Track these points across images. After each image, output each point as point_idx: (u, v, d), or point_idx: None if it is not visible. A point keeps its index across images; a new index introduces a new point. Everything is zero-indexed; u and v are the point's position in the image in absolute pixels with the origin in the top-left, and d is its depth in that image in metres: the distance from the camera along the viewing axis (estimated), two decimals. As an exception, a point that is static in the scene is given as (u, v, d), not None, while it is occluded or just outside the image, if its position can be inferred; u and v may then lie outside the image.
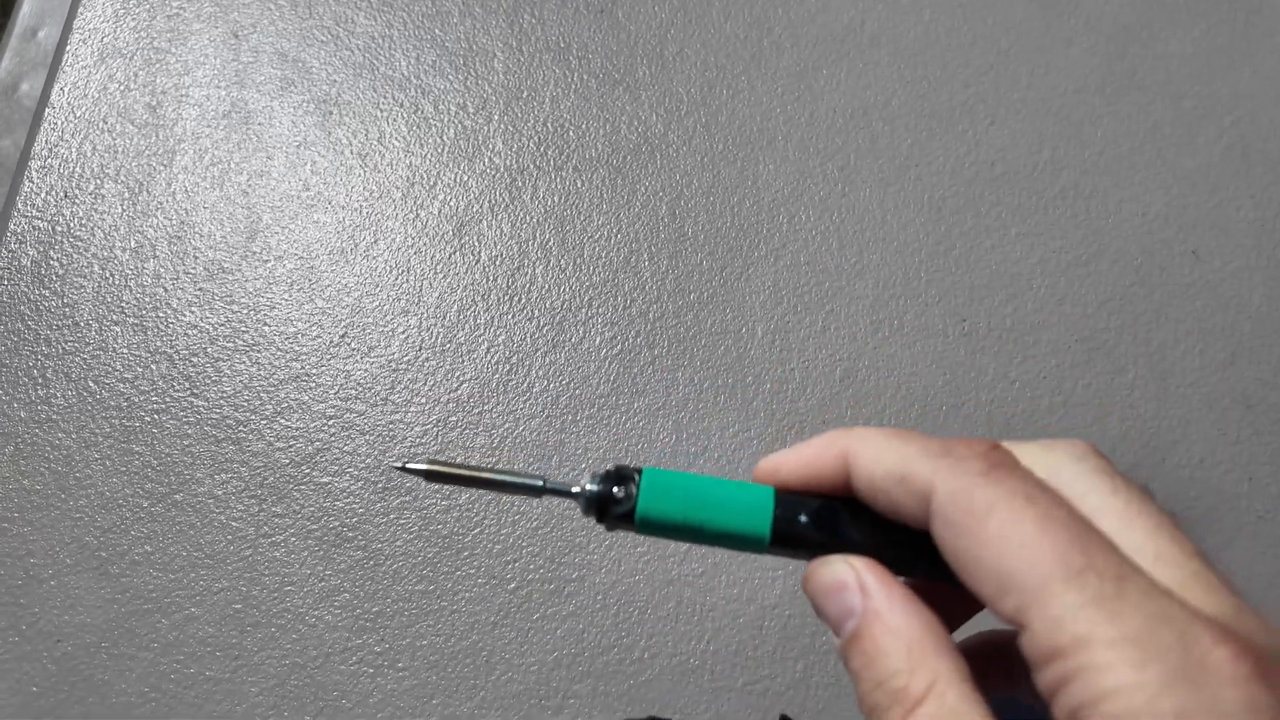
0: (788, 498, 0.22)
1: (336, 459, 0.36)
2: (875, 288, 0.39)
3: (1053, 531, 0.17)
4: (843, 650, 0.20)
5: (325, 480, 0.36)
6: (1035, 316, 0.38)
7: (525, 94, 0.44)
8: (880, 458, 0.20)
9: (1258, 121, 0.42)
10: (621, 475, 0.22)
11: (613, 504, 0.22)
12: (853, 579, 0.20)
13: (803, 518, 0.21)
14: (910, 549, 0.20)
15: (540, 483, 0.23)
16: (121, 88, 0.45)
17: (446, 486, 0.22)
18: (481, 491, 0.22)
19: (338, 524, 0.35)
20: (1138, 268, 0.39)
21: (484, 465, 0.23)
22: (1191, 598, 0.17)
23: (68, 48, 0.46)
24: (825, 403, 0.36)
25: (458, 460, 0.20)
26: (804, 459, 0.21)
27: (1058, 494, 0.18)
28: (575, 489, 0.22)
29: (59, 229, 0.41)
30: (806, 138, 0.42)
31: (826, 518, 0.21)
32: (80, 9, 0.47)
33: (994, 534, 0.17)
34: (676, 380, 0.37)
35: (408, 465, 0.23)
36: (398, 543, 0.35)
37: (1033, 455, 0.20)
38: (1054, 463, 0.19)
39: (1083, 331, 0.38)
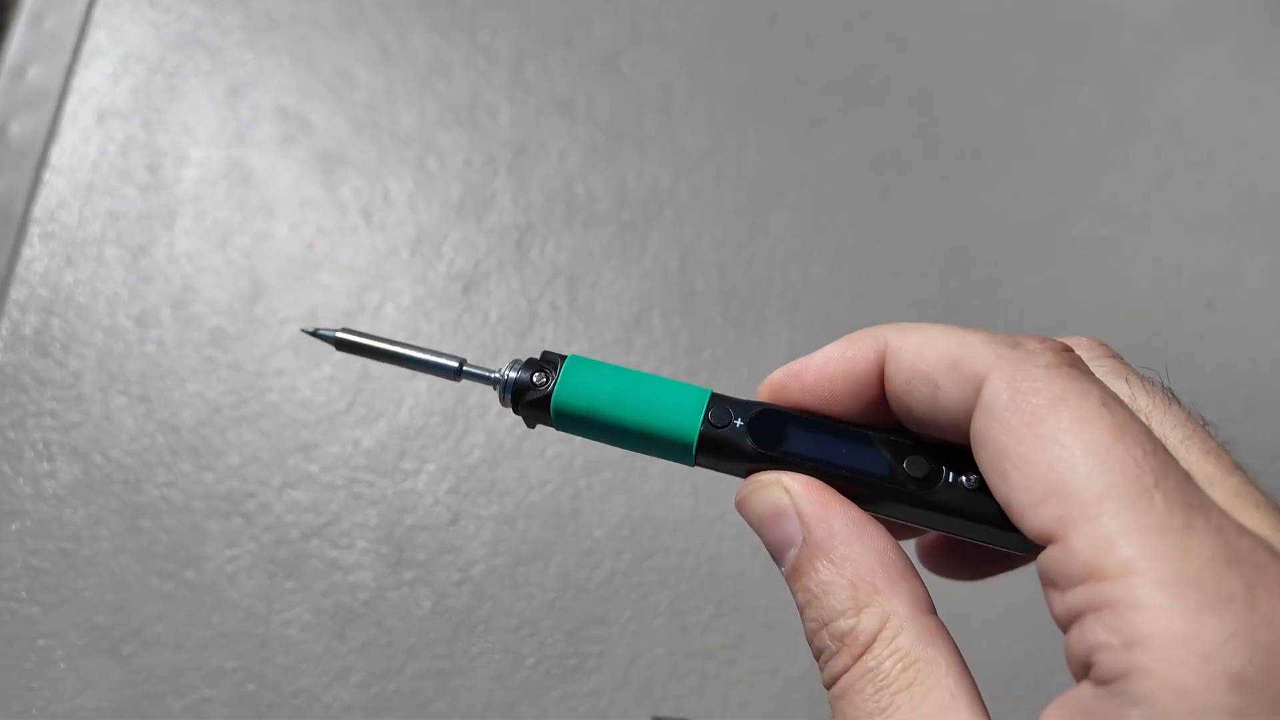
0: (726, 399, 0.19)
1: (347, 531, 0.36)
2: (890, 344, 0.38)
3: (1127, 442, 0.14)
4: (787, 581, 0.17)
5: (335, 554, 0.35)
6: (1053, 371, 0.37)
7: (531, 149, 0.43)
8: (932, 344, 0.17)
9: (1266, 166, 0.42)
10: (545, 361, 0.20)
11: (529, 390, 0.20)
12: (788, 505, 0.17)
13: (739, 422, 0.18)
14: (886, 468, 0.17)
15: (457, 364, 0.21)
16: (120, 149, 0.44)
17: (362, 359, 0.22)
18: (402, 369, 0.22)
19: (350, 600, 0.34)
20: (1153, 320, 0.38)
21: (401, 341, 0.22)
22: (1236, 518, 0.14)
23: (65, 108, 0.45)
24: (843, 464, 0.36)
25: (373, 333, 0.21)
26: (829, 358, 0.18)
27: (1129, 408, 0.15)
28: (494, 374, 0.21)
29: (61, 295, 0.41)
30: (817, 189, 0.42)
31: (768, 425, 0.18)
32: (78, 68, 0.46)
33: (1054, 432, 0.14)
34: (692, 442, 0.37)
35: (319, 330, 0.22)
36: (412, 619, 0.34)
37: None
38: None
39: (1101, 385, 0.37)
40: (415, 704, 0.33)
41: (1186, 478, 0.14)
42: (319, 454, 0.37)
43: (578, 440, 0.37)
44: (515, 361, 0.21)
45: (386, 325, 0.40)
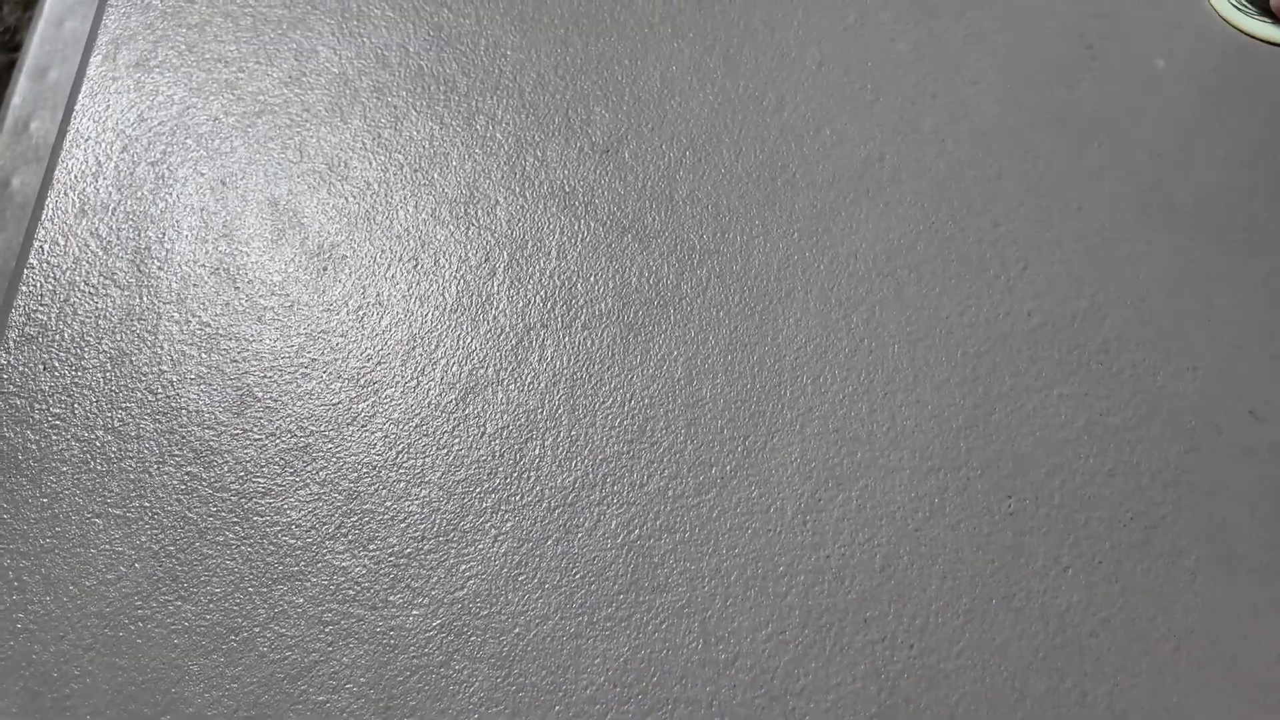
0: None
1: (335, 672, 0.33)
2: (912, 459, 0.36)
3: None
4: None
5: (323, 698, 0.33)
6: (1085, 490, 0.35)
7: (530, 244, 0.42)
8: None
9: (1306, 256, 0.40)
10: None
11: None
12: None
13: None
14: None
15: None
16: (104, 244, 0.43)
17: None
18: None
19: (337, 750, 0.32)
20: (1191, 431, 0.36)
21: None
22: None
23: (47, 201, 0.44)
24: (866, 596, 0.34)
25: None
26: None
27: None
28: None
29: (37, 406, 0.39)
30: (827, 287, 0.40)
31: None
32: (61, 158, 0.45)
33: None
34: (701, 571, 0.35)
35: None
36: (403, 770, 0.32)
37: None
38: None
39: (1137, 506, 0.35)
40: None
41: None
42: (306, 584, 0.35)
43: (578, 570, 0.35)
44: None
45: (377, 438, 0.38)
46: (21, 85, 0.47)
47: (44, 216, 0.43)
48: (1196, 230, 0.40)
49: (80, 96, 0.47)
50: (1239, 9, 0.36)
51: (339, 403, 0.38)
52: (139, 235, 0.43)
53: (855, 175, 0.42)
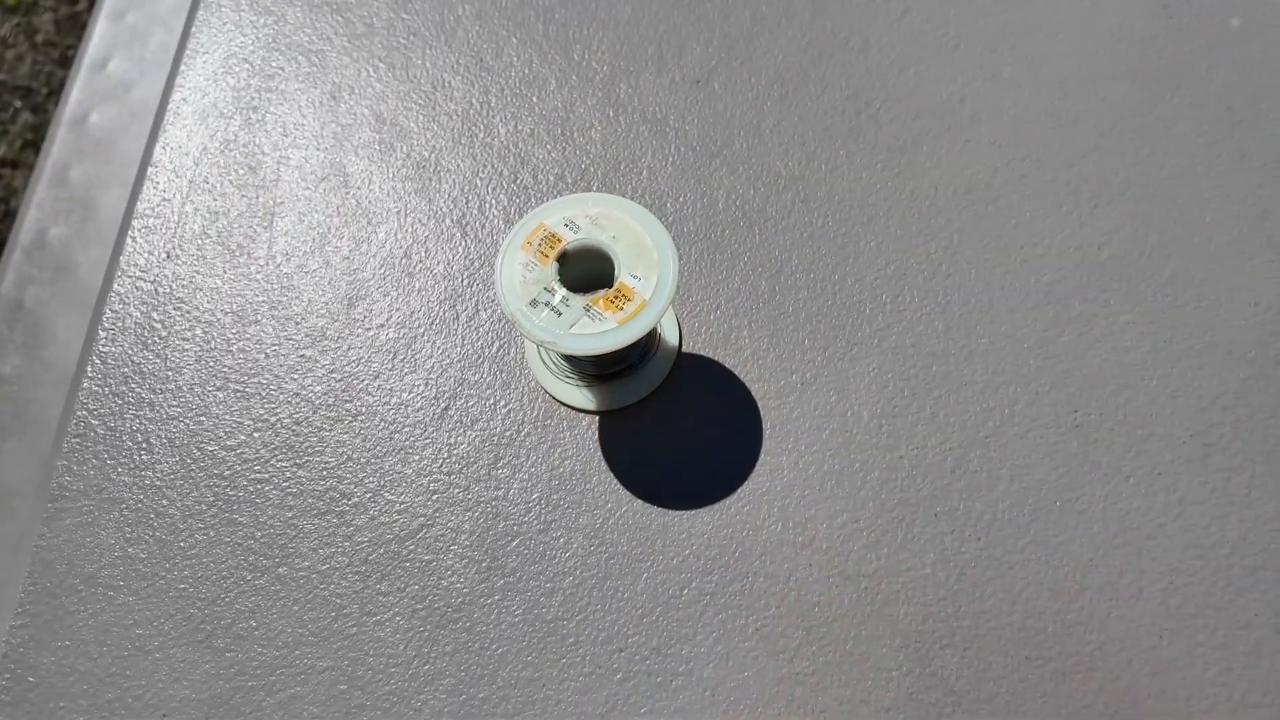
0: None
1: (440, 535, 0.36)
2: (984, 374, 0.38)
3: None
4: None
5: (429, 558, 0.36)
6: (1148, 409, 0.37)
7: (623, 165, 0.44)
8: None
9: (1369, 209, 0.42)
10: None
11: None
12: None
13: None
14: None
15: None
16: (222, 147, 0.45)
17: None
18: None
19: (442, 604, 0.35)
20: (1252, 360, 0.38)
21: None
22: None
23: (169, 105, 0.47)
24: (936, 493, 0.36)
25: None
26: None
27: None
28: None
29: (162, 290, 0.42)
30: (908, 215, 0.42)
31: None
32: (181, 68, 0.48)
33: None
34: (781, 464, 0.37)
35: None
36: (502, 626, 0.34)
37: None
38: None
39: (1196, 426, 0.37)
40: (505, 711, 0.33)
41: None
42: (414, 457, 0.37)
43: (665, 462, 0.37)
44: None
45: (481, 335, 0.40)
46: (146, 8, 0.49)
47: (165, 120, 0.46)
48: (1264, 179, 0.42)
49: (199, 11, 0.49)
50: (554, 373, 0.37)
51: (444, 300, 0.41)
52: (254, 140, 0.46)
53: (936, 114, 0.44)
